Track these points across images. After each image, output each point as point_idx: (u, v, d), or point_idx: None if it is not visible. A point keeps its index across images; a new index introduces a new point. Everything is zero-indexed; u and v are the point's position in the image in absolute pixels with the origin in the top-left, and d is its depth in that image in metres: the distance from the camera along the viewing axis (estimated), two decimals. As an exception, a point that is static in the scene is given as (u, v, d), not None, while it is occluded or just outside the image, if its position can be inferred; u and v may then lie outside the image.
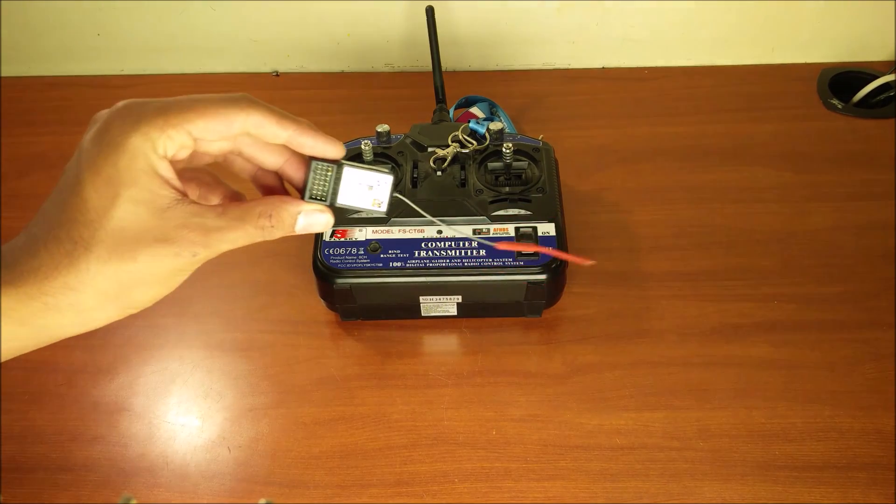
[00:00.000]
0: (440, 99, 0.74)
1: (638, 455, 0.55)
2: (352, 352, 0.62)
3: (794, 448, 0.55)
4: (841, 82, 0.83)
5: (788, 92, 0.82)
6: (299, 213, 0.37)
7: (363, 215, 0.60)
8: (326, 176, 0.38)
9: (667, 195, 0.72)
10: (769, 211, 0.70)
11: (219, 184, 0.40)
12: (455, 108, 0.76)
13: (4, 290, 0.33)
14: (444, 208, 0.61)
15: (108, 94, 0.84)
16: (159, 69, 0.86)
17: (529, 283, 0.58)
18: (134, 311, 0.36)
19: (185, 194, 0.35)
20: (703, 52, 0.85)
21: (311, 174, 0.37)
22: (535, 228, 0.59)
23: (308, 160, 0.37)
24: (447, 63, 0.81)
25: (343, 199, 0.38)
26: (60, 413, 0.58)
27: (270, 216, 0.36)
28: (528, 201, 0.61)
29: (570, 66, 0.86)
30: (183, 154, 0.35)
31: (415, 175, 0.63)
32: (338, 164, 0.38)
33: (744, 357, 0.60)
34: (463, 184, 0.63)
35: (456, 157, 0.64)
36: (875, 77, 0.81)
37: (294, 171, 0.38)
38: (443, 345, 0.62)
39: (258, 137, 0.36)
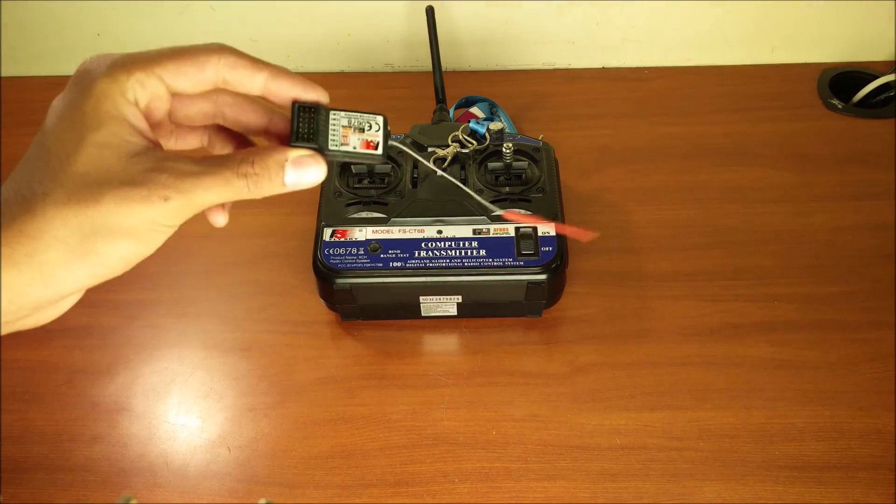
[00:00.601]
0: (440, 99, 0.74)
1: (638, 455, 0.55)
2: (352, 352, 0.62)
3: (794, 448, 0.55)
4: (841, 82, 0.83)
5: (788, 92, 0.82)
6: (286, 160, 0.33)
7: (363, 214, 0.60)
8: (312, 119, 0.34)
9: (667, 195, 0.72)
10: (769, 211, 0.70)
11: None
12: (455, 108, 0.76)
13: None
14: (444, 208, 0.61)
15: (108, 94, 0.84)
16: (159, 69, 0.86)
17: (529, 283, 0.58)
18: (106, 275, 0.32)
19: (157, 145, 0.32)
20: (703, 52, 0.85)
21: (296, 118, 0.33)
22: (535, 228, 0.59)
23: (291, 105, 0.34)
24: (447, 63, 0.81)
25: (334, 144, 0.34)
26: (60, 413, 0.58)
27: (253, 162, 0.32)
28: (528, 201, 0.61)
29: (570, 66, 0.86)
30: (158, 106, 0.33)
31: (415, 175, 0.63)
32: (323, 107, 0.34)
33: (744, 357, 0.60)
34: (463, 184, 0.62)
35: (456, 157, 0.64)
36: (875, 77, 0.81)
37: (281, 133, 0.36)
38: (443, 345, 0.62)
39: (235, 86, 0.33)
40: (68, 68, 0.85)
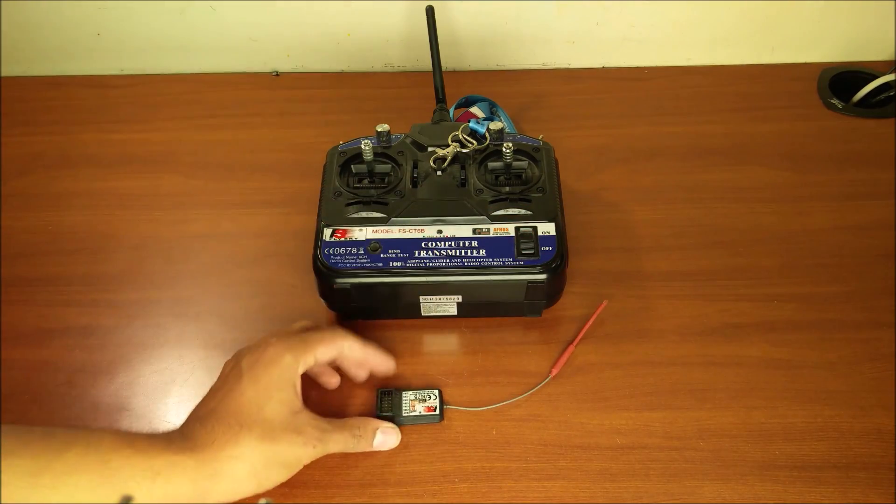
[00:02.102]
0: (440, 99, 0.74)
1: (638, 455, 0.55)
2: (352, 352, 0.61)
3: (794, 448, 0.55)
4: (841, 82, 0.83)
5: (788, 92, 0.82)
6: (377, 429, 0.53)
7: (363, 214, 0.60)
8: (390, 398, 0.56)
9: (667, 195, 0.72)
10: (769, 211, 0.70)
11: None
12: (455, 108, 0.76)
13: (187, 455, 0.45)
14: (443, 208, 0.61)
15: (108, 94, 0.85)
16: (159, 69, 0.86)
17: (529, 283, 0.58)
18: (261, 490, 0.48)
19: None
20: (702, 51, 0.85)
21: (379, 399, 0.56)
22: (535, 228, 0.59)
23: (376, 391, 0.57)
24: (447, 63, 0.81)
25: (405, 411, 0.56)
26: (60, 413, 0.58)
27: (359, 427, 0.53)
28: (528, 201, 0.61)
29: (570, 66, 0.86)
30: (307, 370, 0.53)
31: (415, 175, 0.63)
32: (396, 390, 0.57)
33: (744, 357, 0.60)
34: (463, 183, 0.63)
35: (456, 157, 0.64)
36: (875, 77, 0.81)
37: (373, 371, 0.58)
38: (443, 344, 0.62)
39: (348, 355, 0.55)
40: (68, 68, 0.86)
